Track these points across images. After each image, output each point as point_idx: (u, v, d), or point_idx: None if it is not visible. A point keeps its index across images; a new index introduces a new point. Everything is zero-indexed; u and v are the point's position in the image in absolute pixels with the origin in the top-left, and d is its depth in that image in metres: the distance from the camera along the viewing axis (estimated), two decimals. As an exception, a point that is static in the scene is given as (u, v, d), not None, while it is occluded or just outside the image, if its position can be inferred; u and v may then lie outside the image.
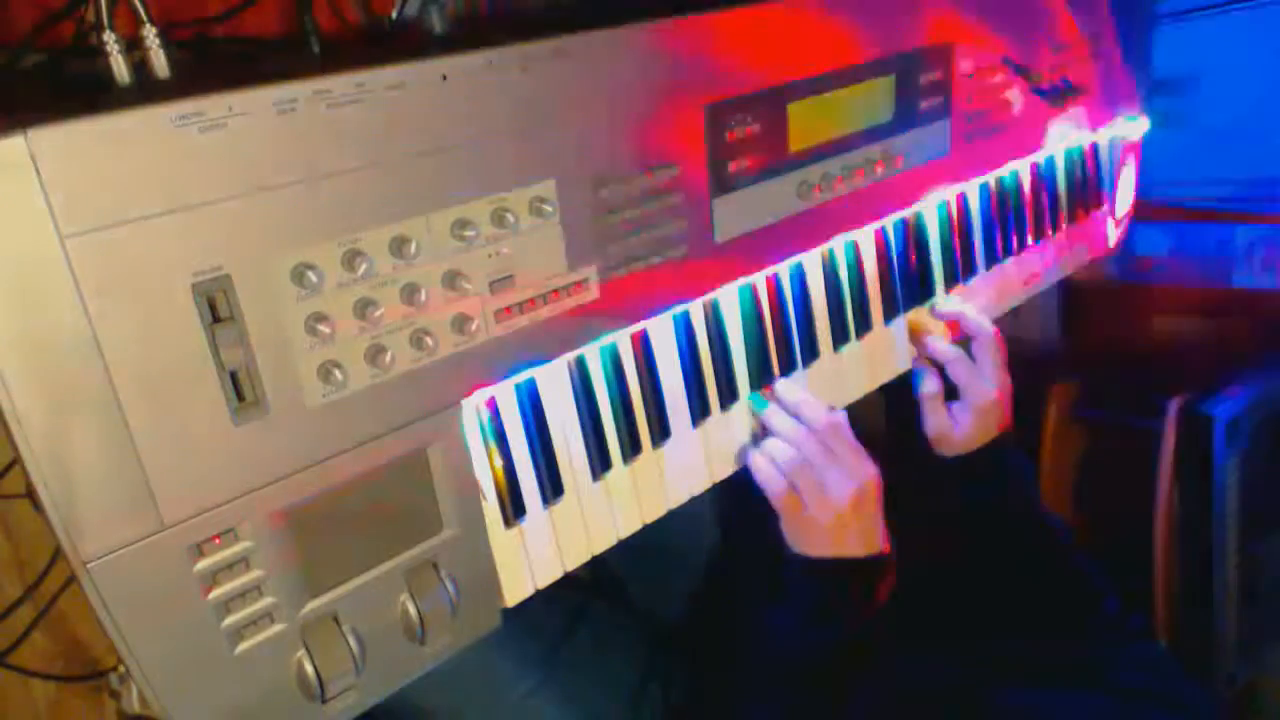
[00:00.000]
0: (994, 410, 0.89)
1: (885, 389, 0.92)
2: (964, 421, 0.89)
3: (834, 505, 0.76)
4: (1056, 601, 0.87)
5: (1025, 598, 0.88)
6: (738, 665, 0.82)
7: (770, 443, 0.78)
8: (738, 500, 0.79)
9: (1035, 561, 0.89)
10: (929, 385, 0.91)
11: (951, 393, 0.91)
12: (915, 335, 0.93)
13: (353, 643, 0.58)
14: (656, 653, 0.92)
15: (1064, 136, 1.04)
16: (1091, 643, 0.83)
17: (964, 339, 0.93)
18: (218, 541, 0.52)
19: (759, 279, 0.79)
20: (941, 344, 0.91)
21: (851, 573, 0.78)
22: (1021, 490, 0.91)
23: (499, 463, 0.65)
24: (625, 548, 0.74)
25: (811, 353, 0.84)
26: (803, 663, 0.78)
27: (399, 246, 0.54)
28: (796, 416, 0.79)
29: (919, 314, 0.95)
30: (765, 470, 0.77)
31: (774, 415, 0.79)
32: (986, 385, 0.89)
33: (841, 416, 0.80)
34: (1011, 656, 0.84)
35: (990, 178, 0.98)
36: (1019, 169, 1.01)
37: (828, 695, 0.78)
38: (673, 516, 0.77)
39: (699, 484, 0.79)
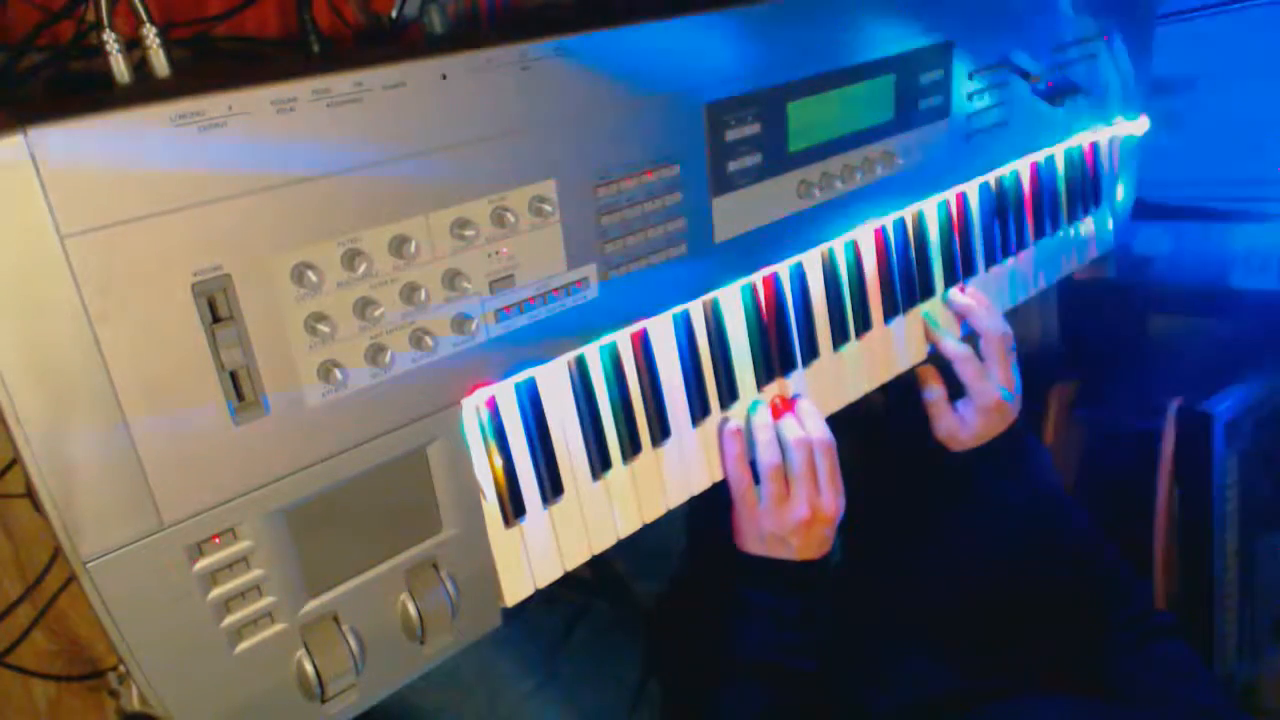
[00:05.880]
0: (1001, 408, 0.90)
1: (885, 388, 0.92)
2: (971, 420, 0.90)
3: (786, 519, 0.78)
4: (1082, 592, 0.87)
5: (1043, 593, 0.88)
6: (709, 659, 0.82)
7: (759, 440, 0.78)
8: (708, 495, 0.80)
9: (1056, 550, 0.89)
10: (931, 391, 0.92)
11: (957, 391, 0.91)
12: (926, 330, 0.94)
13: (353, 642, 0.58)
14: (656, 651, 0.92)
15: (1064, 136, 1.04)
16: (1110, 641, 0.83)
17: (972, 335, 0.93)
18: (217, 541, 0.52)
19: (759, 279, 0.79)
20: (950, 342, 0.91)
21: (777, 574, 0.79)
22: (1035, 477, 0.91)
23: (499, 462, 0.65)
24: (629, 546, 0.75)
25: (811, 352, 0.84)
26: (750, 658, 0.79)
27: (399, 246, 0.54)
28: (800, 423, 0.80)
29: (930, 307, 0.95)
30: (737, 461, 0.78)
31: (784, 420, 0.80)
32: (991, 384, 0.89)
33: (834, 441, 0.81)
34: (1027, 661, 0.84)
35: (990, 178, 0.98)
36: (1019, 169, 1.01)
37: (791, 692, 0.78)
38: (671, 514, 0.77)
39: (699, 484, 0.79)
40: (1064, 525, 0.90)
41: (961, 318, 0.95)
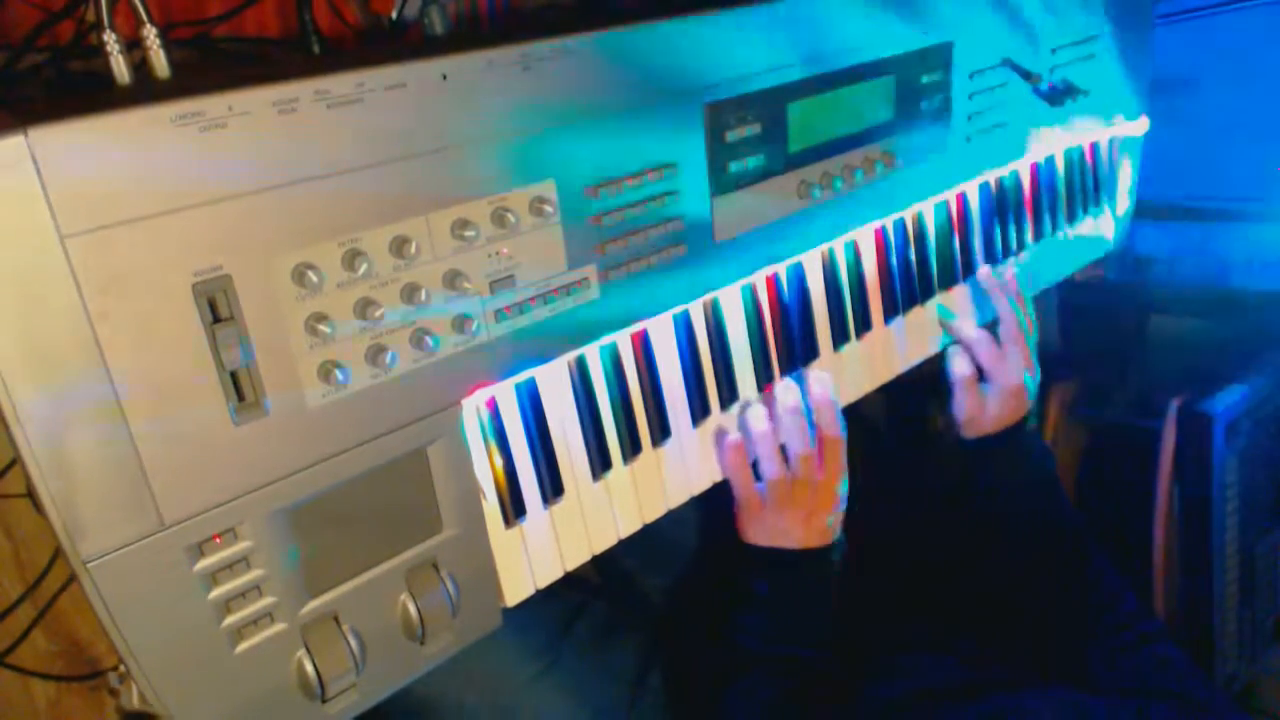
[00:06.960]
0: (1020, 394, 0.90)
1: (885, 387, 0.92)
2: (992, 404, 0.90)
3: (790, 517, 0.78)
4: (1073, 595, 0.87)
5: (1042, 591, 0.88)
6: (717, 651, 0.83)
7: (761, 453, 0.78)
8: (721, 491, 0.80)
9: (1053, 550, 0.89)
10: (962, 367, 0.91)
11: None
12: (941, 321, 0.95)
13: (353, 642, 0.58)
14: (658, 642, 0.93)
15: (1064, 136, 1.04)
16: (1107, 642, 0.83)
17: (992, 323, 0.93)
18: (218, 541, 0.52)
19: (759, 279, 0.79)
20: (968, 327, 0.92)
21: (780, 563, 0.80)
22: (1040, 471, 0.91)
23: (499, 462, 0.65)
24: (639, 541, 0.75)
25: (811, 352, 0.84)
26: (755, 649, 0.79)
27: (399, 246, 0.54)
28: (811, 411, 0.80)
29: (947, 296, 0.96)
30: (740, 470, 0.78)
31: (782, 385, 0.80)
32: (1013, 368, 0.90)
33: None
34: (1025, 656, 0.84)
35: (990, 178, 0.98)
36: (1019, 169, 1.01)
37: (799, 683, 0.78)
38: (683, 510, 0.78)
39: (699, 484, 0.79)
40: (1060, 522, 0.90)
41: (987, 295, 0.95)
